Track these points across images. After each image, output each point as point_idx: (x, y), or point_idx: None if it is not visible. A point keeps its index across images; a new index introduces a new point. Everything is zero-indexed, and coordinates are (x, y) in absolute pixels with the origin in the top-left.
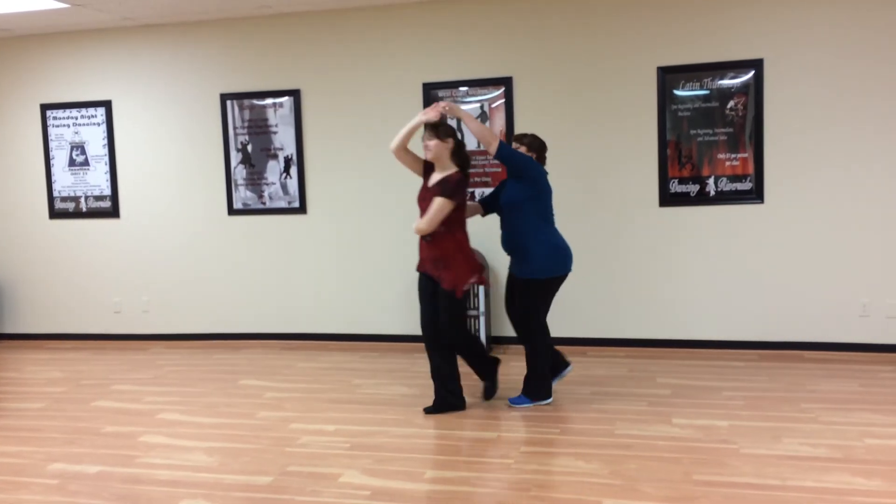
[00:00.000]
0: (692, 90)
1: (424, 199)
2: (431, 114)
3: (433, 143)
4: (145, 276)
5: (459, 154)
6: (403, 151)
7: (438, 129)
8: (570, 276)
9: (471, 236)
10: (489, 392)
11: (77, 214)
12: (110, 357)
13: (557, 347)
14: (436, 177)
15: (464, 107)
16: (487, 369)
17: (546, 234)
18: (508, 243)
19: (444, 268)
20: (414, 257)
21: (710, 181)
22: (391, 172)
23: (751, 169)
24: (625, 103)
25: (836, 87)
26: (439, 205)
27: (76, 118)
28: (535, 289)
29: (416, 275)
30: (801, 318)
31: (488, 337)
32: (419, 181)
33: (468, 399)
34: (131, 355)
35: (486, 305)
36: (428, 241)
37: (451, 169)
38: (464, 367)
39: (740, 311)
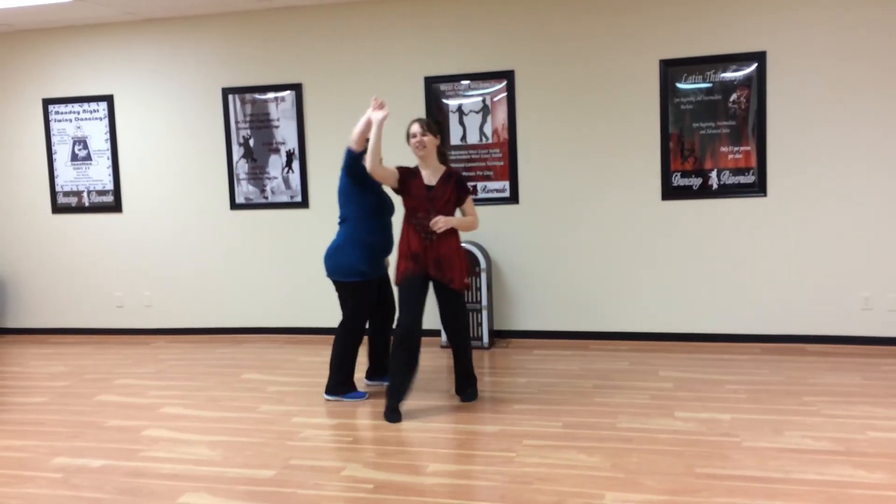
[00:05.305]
0: (695, 83)
1: (436, 199)
2: (381, 113)
3: (427, 138)
4: (148, 271)
5: (443, 151)
6: (380, 165)
7: (430, 125)
8: (573, 269)
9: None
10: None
11: (80, 209)
12: (113, 351)
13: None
14: (433, 175)
15: (465, 101)
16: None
17: None
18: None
19: (448, 268)
20: None
21: (713, 174)
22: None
23: (753, 162)
24: (627, 96)
25: (838, 79)
26: (472, 202)
27: (78, 113)
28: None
29: None
30: (803, 312)
31: (490, 331)
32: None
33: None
34: (134, 349)
35: (489, 299)
36: (433, 240)
37: (442, 166)
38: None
39: (742, 305)
